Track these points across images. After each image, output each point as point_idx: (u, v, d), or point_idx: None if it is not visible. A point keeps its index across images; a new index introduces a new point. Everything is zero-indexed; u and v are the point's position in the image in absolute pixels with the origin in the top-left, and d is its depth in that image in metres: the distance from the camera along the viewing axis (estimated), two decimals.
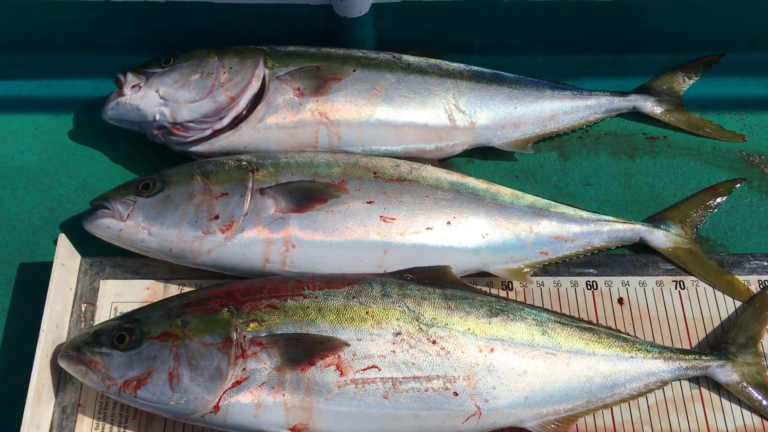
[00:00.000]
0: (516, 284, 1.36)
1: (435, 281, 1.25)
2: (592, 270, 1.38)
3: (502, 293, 1.34)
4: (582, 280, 1.37)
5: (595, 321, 1.31)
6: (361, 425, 1.14)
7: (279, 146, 1.41)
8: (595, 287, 1.37)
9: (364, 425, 1.14)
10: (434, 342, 1.16)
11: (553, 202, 1.39)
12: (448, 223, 1.31)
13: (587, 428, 1.22)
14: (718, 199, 1.45)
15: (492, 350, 1.18)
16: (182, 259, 1.30)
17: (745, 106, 1.59)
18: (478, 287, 1.31)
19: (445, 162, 1.49)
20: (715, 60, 1.62)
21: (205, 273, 1.33)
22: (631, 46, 1.63)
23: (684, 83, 1.59)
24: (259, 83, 1.41)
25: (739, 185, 1.48)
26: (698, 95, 1.59)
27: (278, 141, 1.41)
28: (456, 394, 1.15)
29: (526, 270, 1.33)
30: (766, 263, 1.38)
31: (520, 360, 1.18)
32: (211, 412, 1.13)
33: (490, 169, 1.52)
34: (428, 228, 1.30)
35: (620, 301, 1.35)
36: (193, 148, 1.43)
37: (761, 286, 1.35)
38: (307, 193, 1.28)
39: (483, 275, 1.35)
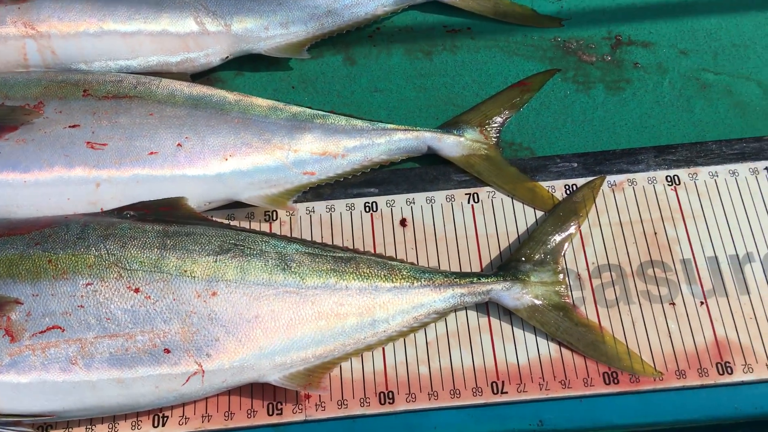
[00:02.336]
0: (280, 214, 1.14)
1: (164, 218, 1.03)
2: (372, 189, 1.17)
3: (264, 226, 1.14)
4: (360, 202, 1.16)
5: (371, 249, 1.11)
6: (49, 399, 0.92)
7: None
8: (374, 209, 1.15)
9: (53, 399, 0.92)
10: (137, 290, 0.94)
11: (320, 112, 1.16)
12: (179, 145, 1.08)
13: (353, 375, 1.02)
14: (527, 96, 1.24)
15: (214, 294, 0.96)
16: None
17: None
18: (228, 221, 1.11)
19: (203, 76, 1.26)
20: None
21: None
22: None
23: None
24: None
25: (551, 77, 1.27)
26: None
27: None
28: (168, 351, 0.93)
29: (287, 195, 1.12)
30: (575, 164, 1.17)
31: (251, 302, 0.97)
32: None
33: (263, 80, 1.29)
34: (152, 153, 1.07)
35: (403, 222, 1.14)
36: None
37: (568, 192, 1.15)
38: None
39: (241, 206, 1.14)
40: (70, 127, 1.06)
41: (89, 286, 0.94)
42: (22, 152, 1.03)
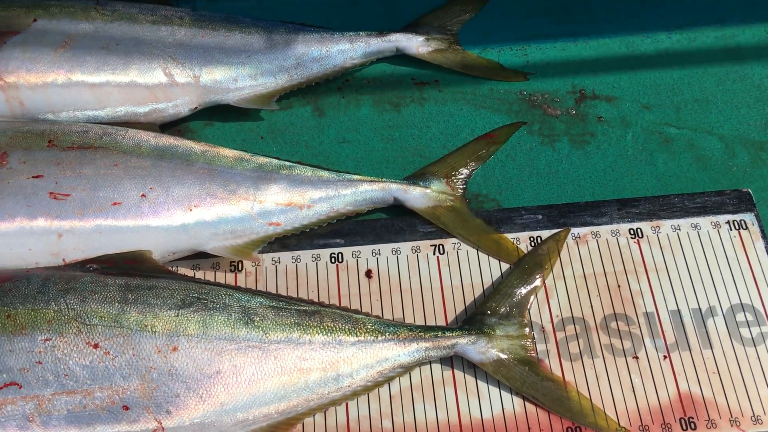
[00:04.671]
0: (246, 264, 1.14)
1: (129, 270, 1.03)
2: (338, 240, 1.17)
3: (229, 277, 1.13)
4: (326, 253, 1.16)
5: (336, 301, 1.11)
6: None
7: None
8: (339, 260, 1.16)
9: None
10: (96, 345, 0.93)
11: (287, 163, 1.17)
12: (143, 195, 1.08)
13: (315, 430, 1.02)
14: (493, 148, 1.25)
15: (175, 349, 0.95)
16: None
17: (529, 39, 1.39)
18: (192, 273, 1.10)
19: (172, 126, 1.27)
20: None
21: None
22: None
23: (459, 18, 1.37)
24: None
25: (517, 130, 1.29)
26: (475, 31, 1.38)
27: None
28: (126, 407, 0.92)
29: (252, 246, 1.11)
30: (540, 216, 1.19)
31: (213, 357, 0.96)
32: None
33: (232, 131, 1.29)
34: (115, 203, 1.06)
35: (368, 273, 1.14)
36: None
37: (533, 244, 1.16)
38: None
39: (206, 257, 1.13)
40: (33, 177, 1.05)
41: (48, 342, 0.92)
42: None
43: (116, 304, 0.96)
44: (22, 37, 1.16)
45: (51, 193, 1.05)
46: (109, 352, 0.93)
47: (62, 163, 1.07)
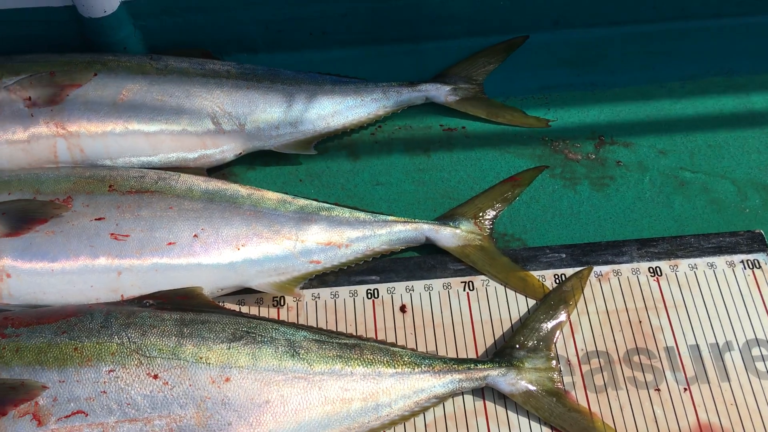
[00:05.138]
0: (288, 299, 1.22)
1: (181, 306, 1.10)
2: (374, 277, 1.25)
3: (272, 311, 1.21)
4: (362, 289, 1.23)
5: (372, 334, 1.18)
6: None
7: (13, 164, 1.24)
8: (375, 296, 1.23)
9: None
10: (156, 376, 1.01)
11: (326, 205, 1.25)
12: (195, 236, 1.16)
13: None
14: (517, 190, 1.33)
15: (227, 380, 1.02)
16: None
17: (550, 88, 1.47)
18: (237, 308, 1.18)
19: (217, 170, 1.36)
20: (518, 43, 1.50)
21: None
22: (427, 34, 1.49)
23: (484, 69, 1.46)
24: None
25: (540, 174, 1.37)
26: (500, 80, 1.47)
27: (10, 159, 1.24)
28: None
29: (294, 283, 1.19)
30: (563, 255, 1.26)
31: (262, 388, 1.03)
32: None
33: (273, 174, 1.38)
34: (170, 243, 1.15)
35: (402, 308, 1.22)
36: None
37: (558, 281, 1.23)
38: (21, 214, 1.12)
39: (251, 292, 1.21)
40: (95, 219, 1.14)
41: (112, 373, 1.00)
42: (50, 243, 1.11)
43: (173, 337, 1.04)
44: (83, 89, 1.26)
45: (112, 234, 1.14)
46: (167, 383, 1.01)
47: (122, 206, 1.16)
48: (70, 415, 0.98)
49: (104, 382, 0.99)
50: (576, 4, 1.48)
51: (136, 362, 1.01)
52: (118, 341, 1.02)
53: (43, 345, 1.01)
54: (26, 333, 1.02)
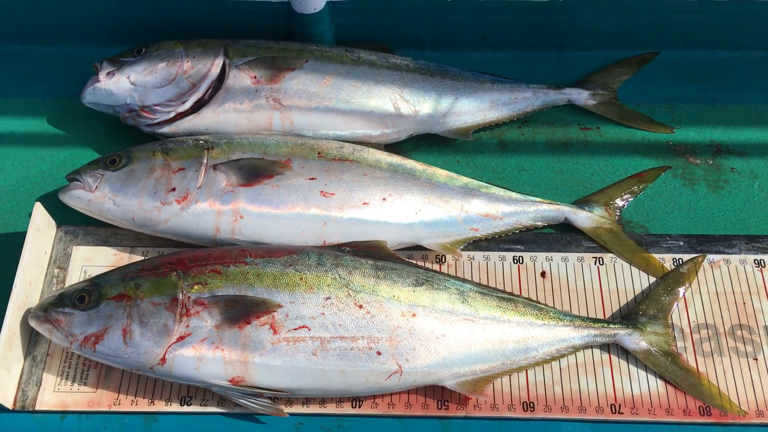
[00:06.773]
0: (449, 257, 1.48)
1: (370, 254, 1.37)
2: (519, 246, 1.50)
3: (435, 266, 1.47)
4: (510, 255, 1.49)
5: (518, 292, 1.43)
6: (292, 379, 1.27)
7: (237, 129, 1.55)
8: (521, 261, 1.49)
9: (296, 379, 1.27)
10: (361, 306, 1.29)
11: (485, 184, 1.51)
12: (384, 199, 1.44)
13: (503, 387, 1.35)
14: (643, 185, 1.57)
15: (414, 315, 1.30)
16: (144, 228, 1.44)
17: (676, 100, 1.70)
18: (410, 260, 1.44)
19: (391, 147, 1.62)
20: (650, 58, 1.73)
21: (167, 242, 1.47)
22: (572, 44, 1.75)
23: (619, 78, 1.70)
24: (218, 71, 1.55)
25: (663, 173, 1.60)
26: (632, 89, 1.71)
27: (236, 124, 1.54)
28: (379, 353, 1.27)
29: (457, 245, 1.46)
30: (681, 243, 1.49)
31: (440, 324, 1.31)
32: (158, 363, 1.26)
33: (434, 154, 1.65)
34: (365, 203, 1.42)
35: (543, 274, 1.47)
36: (160, 130, 1.57)
37: (675, 264, 1.47)
38: (255, 169, 1.42)
39: (419, 249, 1.48)
40: (309, 179, 1.42)
41: (328, 300, 1.28)
42: (275, 194, 1.40)
43: (372, 278, 1.32)
44: (297, 73, 1.55)
45: (321, 191, 1.42)
46: (369, 312, 1.28)
47: (329, 170, 1.44)
48: (297, 329, 1.27)
49: (323, 306, 1.28)
50: (704, 29, 1.71)
51: (345, 294, 1.29)
52: (332, 276, 1.31)
53: (277, 273, 1.30)
54: (262, 263, 1.31)
